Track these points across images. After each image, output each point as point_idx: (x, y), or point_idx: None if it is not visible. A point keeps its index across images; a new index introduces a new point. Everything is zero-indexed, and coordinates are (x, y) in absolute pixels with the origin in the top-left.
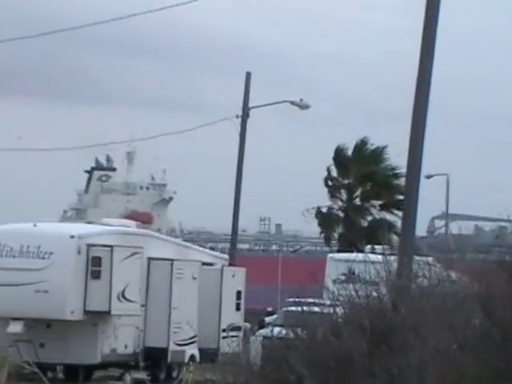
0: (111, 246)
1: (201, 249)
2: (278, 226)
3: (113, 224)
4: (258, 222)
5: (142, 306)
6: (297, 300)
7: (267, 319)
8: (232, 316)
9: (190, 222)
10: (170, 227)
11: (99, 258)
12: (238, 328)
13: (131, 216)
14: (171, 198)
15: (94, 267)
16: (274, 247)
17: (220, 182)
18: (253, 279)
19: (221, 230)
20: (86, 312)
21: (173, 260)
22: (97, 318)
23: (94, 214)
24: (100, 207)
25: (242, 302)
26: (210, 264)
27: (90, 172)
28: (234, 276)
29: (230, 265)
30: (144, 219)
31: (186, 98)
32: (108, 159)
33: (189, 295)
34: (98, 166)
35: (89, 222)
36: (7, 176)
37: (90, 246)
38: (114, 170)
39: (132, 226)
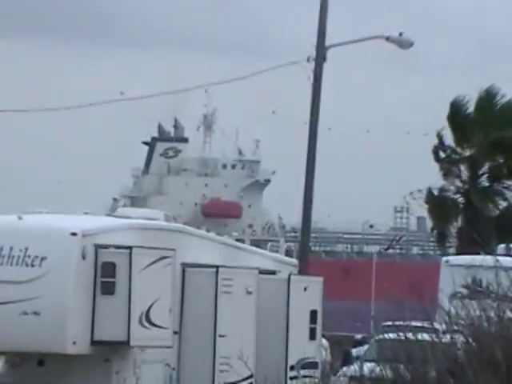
0: (130, 248)
1: (258, 250)
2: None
3: (131, 215)
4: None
5: (175, 333)
6: (397, 324)
7: (355, 351)
8: (304, 347)
9: (293, 216)
10: (266, 222)
11: (113, 265)
12: (312, 364)
13: (211, 206)
14: (267, 181)
15: (106, 278)
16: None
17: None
18: (334, 293)
19: (338, 225)
20: (93, 342)
21: (218, 267)
22: (110, 352)
23: (158, 203)
24: (166, 194)
25: (319, 326)
26: (272, 272)
27: (150, 144)
28: (306, 289)
29: (301, 273)
30: (229, 211)
31: (241, 36)
32: (176, 125)
33: (242, 317)
34: (163, 136)
35: (86, 213)
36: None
37: (99, 247)
38: (185, 140)
39: (159, 217)
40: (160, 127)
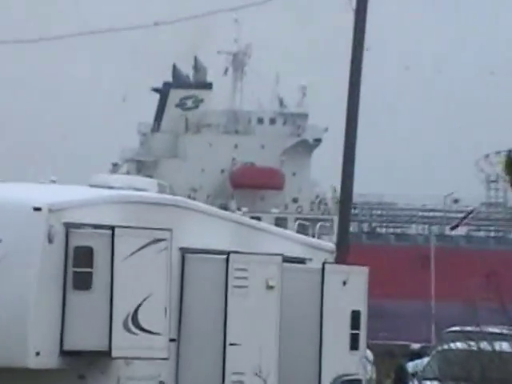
0: (112, 228)
1: (282, 231)
2: None
3: (113, 185)
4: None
5: (172, 340)
6: (467, 330)
7: (410, 365)
8: (343, 360)
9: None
10: (315, 196)
11: (89, 251)
12: (355, 382)
13: (243, 173)
14: (318, 142)
15: (80, 268)
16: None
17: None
18: (383, 289)
19: (413, 200)
20: (63, 353)
21: (229, 253)
22: (85, 366)
23: (172, 169)
24: (183, 157)
25: (363, 332)
26: (301, 260)
27: (162, 91)
28: (345, 283)
29: (338, 262)
30: (267, 180)
31: None
32: (197, 66)
33: (260, 320)
34: (179, 81)
35: (53, 182)
36: None
37: (71, 226)
38: (208, 87)
39: (151, 187)
40: (175, 69)
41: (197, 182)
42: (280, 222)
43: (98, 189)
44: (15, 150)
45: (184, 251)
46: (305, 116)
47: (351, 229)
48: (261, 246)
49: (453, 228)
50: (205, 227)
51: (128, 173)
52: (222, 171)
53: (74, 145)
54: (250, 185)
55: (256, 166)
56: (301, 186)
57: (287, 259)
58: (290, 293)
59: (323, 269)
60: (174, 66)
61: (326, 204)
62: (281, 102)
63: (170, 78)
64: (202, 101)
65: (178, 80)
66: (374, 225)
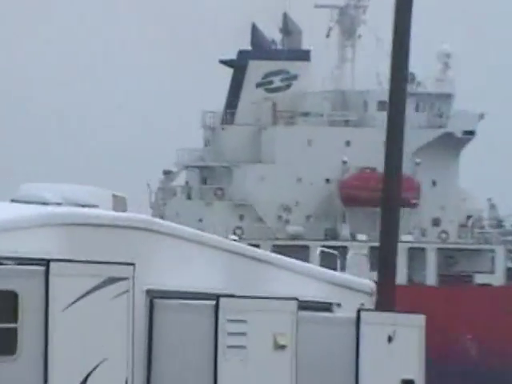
0: (46, 263)
1: (297, 264)
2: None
3: (48, 199)
4: None
5: None
6: None
7: None
8: None
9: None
10: (467, 215)
11: (12, 297)
12: None
13: (360, 184)
14: (470, 135)
15: None
16: None
17: None
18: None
19: None
20: None
21: (219, 297)
22: None
23: (253, 178)
24: (271, 162)
25: None
26: (326, 307)
27: (235, 64)
28: (392, 339)
29: (380, 305)
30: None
31: None
32: (287, 27)
33: None
34: (260, 48)
35: None
36: None
37: None
38: (304, 57)
39: (102, 201)
40: (255, 31)
41: (291, 197)
42: (415, 254)
43: (26, 205)
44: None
45: (153, 295)
46: (449, 98)
47: None
48: (267, 287)
49: None
50: (184, 260)
51: (187, 184)
52: (328, 181)
53: (110, 144)
54: (369, 200)
55: (378, 172)
56: (445, 202)
57: (305, 305)
58: (308, 354)
59: (358, 318)
60: (254, 27)
61: (482, 227)
62: (412, 78)
63: (247, 45)
64: (295, 77)
65: (259, 48)
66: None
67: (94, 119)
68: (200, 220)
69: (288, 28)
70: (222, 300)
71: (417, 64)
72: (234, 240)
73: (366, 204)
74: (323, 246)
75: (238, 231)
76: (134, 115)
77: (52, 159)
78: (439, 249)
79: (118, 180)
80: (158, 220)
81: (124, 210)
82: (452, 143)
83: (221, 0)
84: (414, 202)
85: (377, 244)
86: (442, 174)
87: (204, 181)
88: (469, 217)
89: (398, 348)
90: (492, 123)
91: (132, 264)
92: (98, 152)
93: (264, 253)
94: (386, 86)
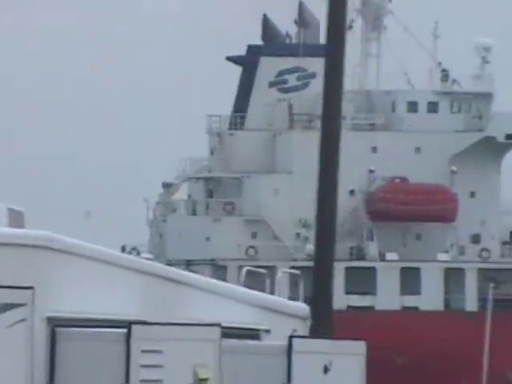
0: None
1: (221, 286)
2: None
3: None
4: None
5: None
6: None
7: None
8: None
9: None
10: (510, 232)
11: None
12: None
13: (389, 196)
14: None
15: None
16: None
17: None
18: None
19: None
20: None
21: (131, 324)
22: None
23: (268, 192)
24: (287, 171)
25: None
26: (253, 334)
27: (244, 61)
28: (327, 370)
29: (316, 328)
30: (429, 206)
31: None
32: (303, 18)
33: None
34: (273, 42)
35: None
36: None
37: None
38: (322, 52)
39: None
40: (267, 23)
41: (310, 211)
42: (452, 275)
43: None
44: None
45: (55, 323)
46: (488, 97)
47: None
48: (186, 312)
49: None
50: (91, 282)
51: (190, 197)
52: (352, 193)
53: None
54: (399, 214)
55: (409, 182)
56: (485, 215)
57: (230, 332)
58: None
59: (290, 346)
60: (265, 19)
61: None
62: (445, 75)
63: (257, 40)
64: (313, 76)
65: (271, 42)
66: None
67: (83, 121)
68: (207, 238)
69: (304, 19)
70: (135, 328)
71: (452, 59)
72: (148, 259)
73: (396, 219)
74: (348, 267)
75: (251, 251)
76: (130, 121)
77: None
78: (480, 269)
79: (111, 194)
80: (60, 237)
81: (21, 226)
82: (493, 149)
83: None
84: (450, 216)
85: (410, 264)
86: (482, 184)
87: (210, 194)
88: None
89: (335, 379)
90: None
91: (31, 288)
92: (89, 163)
93: (182, 273)
94: (416, 85)
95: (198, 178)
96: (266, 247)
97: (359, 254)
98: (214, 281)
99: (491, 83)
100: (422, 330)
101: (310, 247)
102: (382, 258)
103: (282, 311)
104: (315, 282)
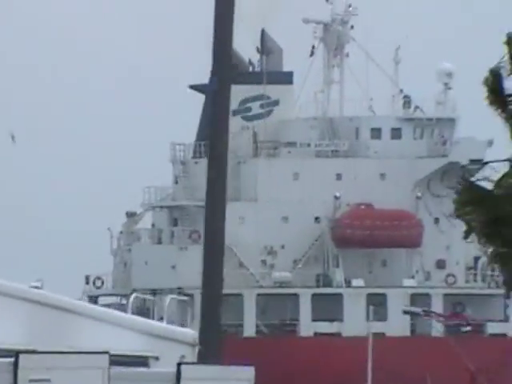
0: None
1: (110, 313)
2: None
3: None
4: None
5: None
6: None
7: None
8: None
9: None
10: (473, 257)
11: None
12: None
13: (355, 223)
14: (477, 165)
15: None
16: None
17: None
18: None
19: None
20: None
21: (18, 353)
22: None
23: (233, 219)
24: (252, 198)
25: None
26: (142, 362)
27: (207, 90)
28: None
29: (204, 354)
30: (395, 232)
31: None
32: (266, 46)
33: None
34: (237, 70)
35: None
36: None
37: None
38: (286, 79)
39: None
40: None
41: (276, 238)
42: (418, 301)
43: None
44: None
45: None
46: (452, 122)
47: None
48: (74, 340)
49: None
50: None
51: (154, 226)
52: (318, 219)
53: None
54: (365, 240)
55: (374, 208)
56: (450, 241)
57: (118, 360)
58: None
59: (178, 373)
60: None
61: (493, 270)
62: (408, 102)
63: None
64: (276, 103)
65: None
66: None
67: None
68: (173, 267)
69: (266, 47)
70: (22, 357)
71: (414, 85)
72: (36, 287)
73: (362, 245)
74: (315, 294)
75: None
76: (93, 149)
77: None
78: (446, 294)
79: (74, 223)
80: None
81: None
82: (457, 174)
83: (188, 16)
84: (415, 241)
85: (376, 290)
86: (447, 209)
87: (175, 222)
88: (477, 258)
89: None
90: (501, 150)
91: None
92: (52, 192)
93: (70, 302)
94: (379, 111)
95: (162, 207)
96: (232, 275)
97: (325, 280)
98: (102, 308)
99: (454, 109)
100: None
101: (276, 274)
102: (348, 284)
103: (170, 338)
104: (203, 309)
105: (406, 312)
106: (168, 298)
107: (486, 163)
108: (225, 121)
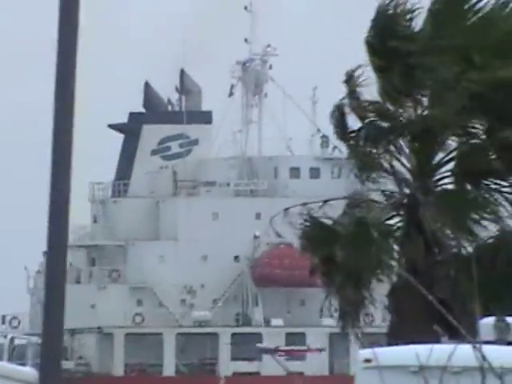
0: None
1: None
2: None
3: None
4: None
5: None
6: None
7: None
8: None
9: None
10: None
11: None
12: None
13: (274, 262)
14: None
15: None
16: None
17: None
18: None
19: None
20: None
21: None
22: None
23: (153, 260)
24: (172, 238)
25: None
26: None
27: (126, 129)
28: None
29: None
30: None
31: None
32: (185, 86)
33: None
34: (154, 110)
35: None
36: None
37: None
38: (205, 119)
39: None
40: (149, 91)
41: (195, 278)
42: (336, 340)
43: None
44: None
45: None
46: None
47: None
48: None
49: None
50: None
51: (71, 265)
52: (237, 259)
53: None
54: (284, 280)
55: (294, 247)
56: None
57: None
58: None
59: None
60: (147, 86)
61: None
62: (326, 142)
63: (139, 107)
64: (195, 142)
65: (153, 109)
66: None
67: None
68: (92, 306)
69: (185, 87)
70: None
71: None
72: None
73: (281, 284)
74: (234, 333)
75: (138, 318)
76: (12, 187)
77: None
78: (364, 333)
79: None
80: None
81: None
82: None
83: (107, 54)
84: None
85: (296, 330)
86: None
87: (93, 262)
88: None
89: None
90: None
91: None
92: None
93: None
94: (297, 150)
95: (79, 246)
96: (151, 314)
97: (245, 319)
98: None
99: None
100: None
101: (196, 314)
102: (268, 323)
103: (10, 377)
104: (43, 347)
105: (261, 350)
106: (16, 340)
107: (327, 201)
108: None
